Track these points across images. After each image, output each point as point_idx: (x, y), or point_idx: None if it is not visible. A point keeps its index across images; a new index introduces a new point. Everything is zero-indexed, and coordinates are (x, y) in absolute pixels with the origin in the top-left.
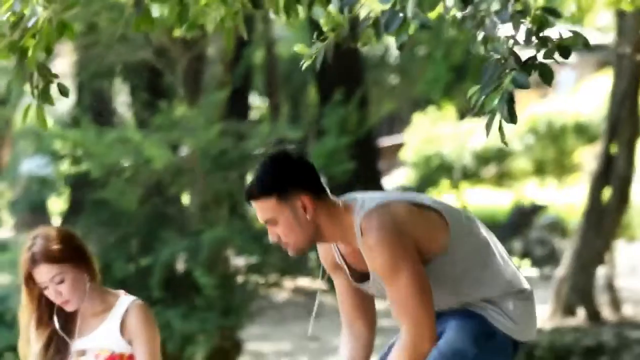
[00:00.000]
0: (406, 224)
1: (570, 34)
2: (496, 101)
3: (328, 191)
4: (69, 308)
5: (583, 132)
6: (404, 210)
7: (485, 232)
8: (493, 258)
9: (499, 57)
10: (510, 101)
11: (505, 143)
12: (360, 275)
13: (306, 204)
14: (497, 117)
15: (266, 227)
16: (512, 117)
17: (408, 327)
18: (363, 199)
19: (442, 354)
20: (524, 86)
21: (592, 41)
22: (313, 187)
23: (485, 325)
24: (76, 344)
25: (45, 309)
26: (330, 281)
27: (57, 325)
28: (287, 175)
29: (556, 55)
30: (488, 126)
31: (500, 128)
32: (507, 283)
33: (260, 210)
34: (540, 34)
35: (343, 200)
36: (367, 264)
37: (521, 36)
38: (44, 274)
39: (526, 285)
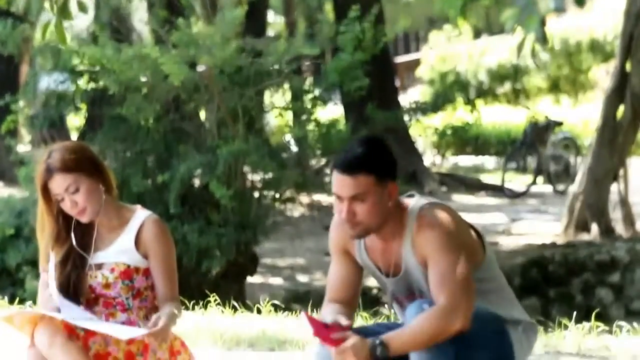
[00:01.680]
0: (462, 224)
1: None
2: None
3: None
4: (84, 218)
5: (598, 50)
6: (458, 215)
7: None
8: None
9: None
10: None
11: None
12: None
13: (392, 192)
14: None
15: (334, 197)
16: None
17: (447, 300)
18: (419, 198)
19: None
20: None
21: None
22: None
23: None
24: (93, 259)
25: (63, 224)
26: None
27: (74, 240)
28: (390, 161)
29: None
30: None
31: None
32: (523, 312)
33: (351, 184)
34: None
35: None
36: (414, 251)
37: None
38: (59, 183)
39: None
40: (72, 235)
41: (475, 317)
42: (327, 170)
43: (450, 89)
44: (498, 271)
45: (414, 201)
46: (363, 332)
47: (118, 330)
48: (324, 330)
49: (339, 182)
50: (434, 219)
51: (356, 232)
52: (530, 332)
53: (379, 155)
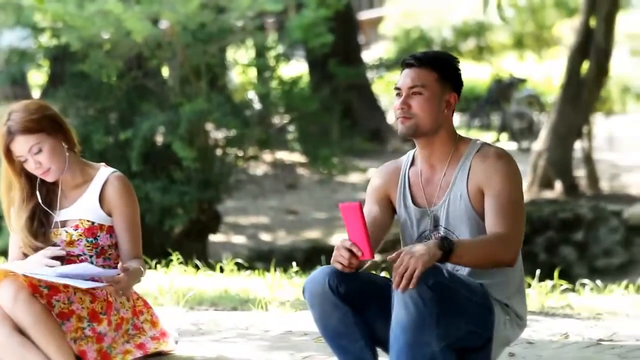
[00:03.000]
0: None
1: None
2: None
3: None
4: (49, 178)
5: (562, 6)
6: None
7: None
8: None
9: None
10: None
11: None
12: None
13: (452, 102)
14: None
15: (394, 96)
16: None
17: (508, 230)
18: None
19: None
20: None
21: None
22: (458, 101)
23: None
24: (57, 216)
25: (27, 183)
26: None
27: (39, 198)
28: (456, 72)
29: None
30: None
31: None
32: (522, 306)
33: (413, 75)
34: None
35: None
36: (469, 178)
37: None
38: (22, 145)
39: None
40: (37, 193)
41: (465, 286)
42: (290, 128)
43: (414, 45)
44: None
45: (475, 139)
46: (371, 278)
47: (78, 281)
48: (355, 209)
49: (404, 75)
50: (502, 153)
51: (406, 127)
52: (517, 326)
53: (447, 61)
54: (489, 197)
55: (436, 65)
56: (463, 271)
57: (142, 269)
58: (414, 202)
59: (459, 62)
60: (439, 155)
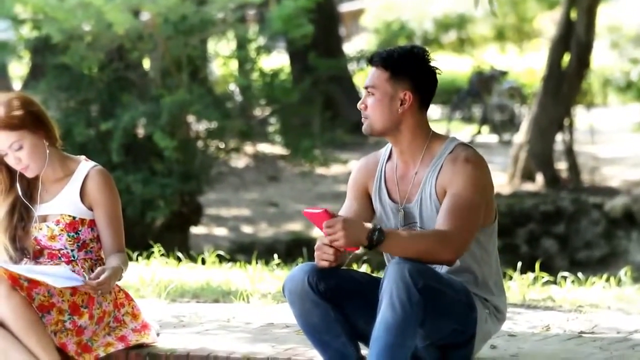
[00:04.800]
0: (491, 180)
1: None
2: None
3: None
4: (29, 174)
5: None
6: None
7: None
8: None
9: None
10: None
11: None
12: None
13: (406, 100)
14: None
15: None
16: None
17: (450, 229)
18: (457, 139)
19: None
20: None
21: None
22: (423, 96)
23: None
24: (38, 210)
25: (7, 175)
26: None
27: (19, 191)
28: (412, 68)
29: None
30: None
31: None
32: (501, 300)
33: (369, 75)
34: None
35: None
36: (438, 180)
37: None
38: (2, 141)
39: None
40: (18, 186)
41: (450, 287)
42: (271, 120)
43: (395, 37)
44: (495, 247)
45: (451, 138)
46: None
47: (55, 279)
48: (319, 216)
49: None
50: (472, 157)
51: (364, 127)
52: (497, 320)
53: (406, 59)
54: (447, 196)
55: (387, 65)
56: (441, 269)
57: (123, 267)
58: (389, 196)
59: (425, 57)
60: (410, 153)
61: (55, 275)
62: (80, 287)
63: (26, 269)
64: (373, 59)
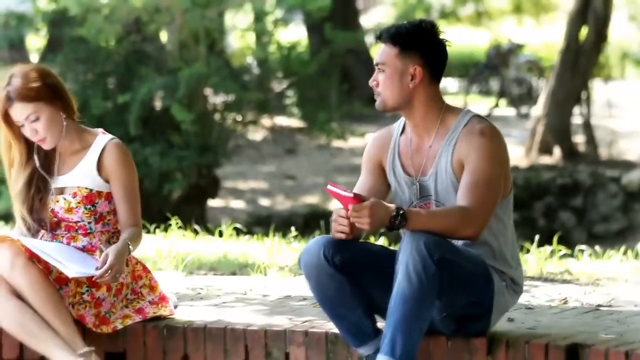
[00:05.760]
0: (507, 151)
1: None
2: None
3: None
4: (45, 146)
5: None
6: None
7: None
8: None
9: None
10: None
11: None
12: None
13: (416, 75)
14: None
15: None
16: None
17: (472, 205)
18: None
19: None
20: None
21: None
22: (434, 69)
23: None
24: (55, 182)
25: (25, 147)
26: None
27: (37, 163)
28: (421, 42)
29: None
30: None
31: None
32: (517, 273)
33: (379, 51)
34: None
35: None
36: (454, 152)
37: None
38: (19, 112)
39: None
40: (35, 157)
41: (467, 259)
42: (288, 93)
43: (413, 10)
44: (511, 220)
45: (465, 110)
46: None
47: (68, 268)
48: (346, 199)
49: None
50: (487, 129)
51: (377, 103)
52: (514, 292)
53: (415, 34)
54: (466, 172)
55: (396, 40)
56: (457, 242)
57: (128, 242)
58: (404, 170)
59: (434, 31)
60: (424, 126)
61: (71, 261)
62: (94, 278)
63: (42, 250)
64: (382, 36)
